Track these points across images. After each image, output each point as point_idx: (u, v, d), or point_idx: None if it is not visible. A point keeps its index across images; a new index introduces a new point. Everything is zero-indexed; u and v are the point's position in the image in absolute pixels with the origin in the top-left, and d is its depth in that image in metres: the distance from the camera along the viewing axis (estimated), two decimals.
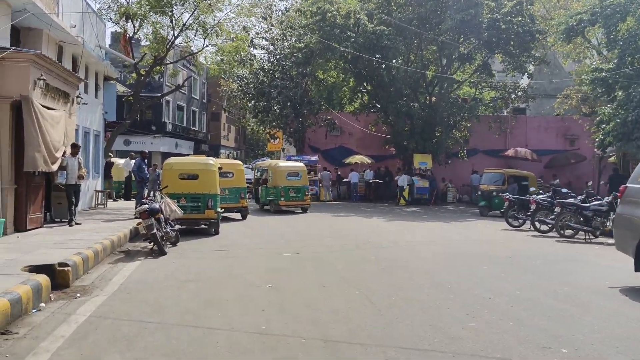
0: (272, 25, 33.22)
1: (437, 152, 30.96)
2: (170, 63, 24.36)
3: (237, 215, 18.76)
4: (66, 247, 10.02)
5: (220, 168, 15.16)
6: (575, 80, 37.03)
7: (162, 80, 47.25)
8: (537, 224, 16.24)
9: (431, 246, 12.88)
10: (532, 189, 20.32)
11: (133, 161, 18.76)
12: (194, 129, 53.76)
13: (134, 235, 13.25)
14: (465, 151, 32.36)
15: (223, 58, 26.29)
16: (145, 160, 16.89)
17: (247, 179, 20.10)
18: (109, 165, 22.13)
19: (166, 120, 47.40)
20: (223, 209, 15.76)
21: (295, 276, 9.08)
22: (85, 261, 9.15)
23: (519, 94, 31.66)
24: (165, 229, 11.49)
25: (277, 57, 32.14)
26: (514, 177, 23.17)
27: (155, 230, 10.83)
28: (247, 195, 18.67)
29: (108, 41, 37.77)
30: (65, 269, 8.31)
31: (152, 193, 14.66)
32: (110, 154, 23.14)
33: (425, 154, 30.28)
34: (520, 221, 17.70)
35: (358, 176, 30.87)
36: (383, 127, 33.05)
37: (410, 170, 30.83)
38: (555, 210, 15.53)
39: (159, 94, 46.31)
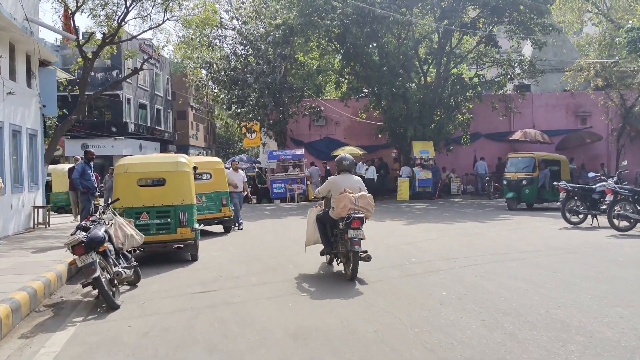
0: (242, 3, 29.01)
1: (437, 138, 27.24)
2: (124, 41, 19.99)
3: (219, 228, 14.71)
4: None
5: (195, 168, 11.09)
6: (584, 50, 33.86)
7: (120, 75, 42.79)
8: (615, 220, 12.56)
9: (507, 263, 9.01)
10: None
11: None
12: (160, 128, 49.25)
13: (76, 273, 9.11)
14: (468, 136, 28.67)
15: (190, 38, 22.17)
16: (92, 164, 12.59)
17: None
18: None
19: (127, 120, 42.98)
20: (201, 224, 11.70)
21: (348, 354, 5.11)
22: None
23: (525, 68, 27.99)
24: (116, 266, 7.40)
25: (251, 38, 27.91)
26: (544, 162, 19.49)
27: (98, 274, 6.74)
28: (229, 202, 14.57)
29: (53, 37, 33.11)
30: None
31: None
32: None
33: (425, 141, 26.56)
34: (581, 216, 14.02)
35: None
36: (374, 114, 29.22)
37: (408, 160, 27.12)
38: None
39: (118, 91, 42.43)
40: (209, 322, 6.20)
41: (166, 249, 10.43)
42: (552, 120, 30.49)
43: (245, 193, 16.07)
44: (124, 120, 42.55)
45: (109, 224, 7.85)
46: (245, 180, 16.46)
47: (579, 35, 38.17)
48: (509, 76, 28.47)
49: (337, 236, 8.46)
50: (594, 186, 14.01)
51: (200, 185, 13.49)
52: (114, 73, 42.94)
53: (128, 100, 43.73)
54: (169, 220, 10.00)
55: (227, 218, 14.36)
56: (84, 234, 6.92)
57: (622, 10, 30.42)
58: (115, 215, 8.24)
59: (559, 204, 14.44)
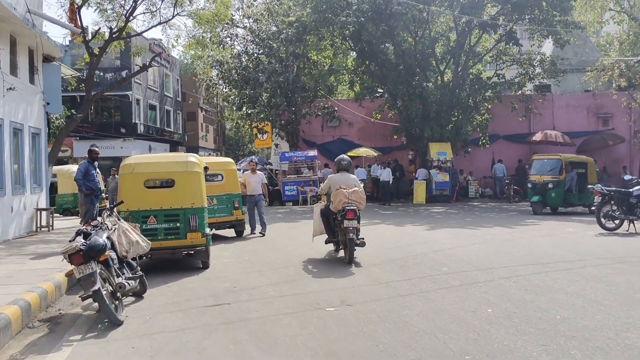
0: (254, 0, 28.24)
1: (455, 140, 26.35)
2: (132, 37, 19.25)
3: (230, 232, 13.92)
4: None
5: (206, 169, 10.31)
6: (604, 49, 32.91)
7: (129, 73, 42.19)
8: None
9: (552, 274, 8.12)
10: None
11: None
12: (169, 129, 48.61)
13: (77, 282, 8.33)
14: (487, 137, 27.74)
15: (201, 36, 21.42)
16: (96, 163, 11.81)
17: None
18: None
19: (137, 121, 42.39)
20: (212, 228, 10.93)
21: None
22: None
23: (546, 67, 27.01)
24: (119, 277, 6.62)
25: (263, 37, 27.14)
26: (571, 164, 18.57)
27: (98, 286, 5.96)
28: (242, 205, 13.78)
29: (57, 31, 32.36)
30: None
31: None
32: None
33: (442, 142, 25.68)
34: (617, 222, 13.10)
35: (365, 173, 26.06)
36: (389, 114, 28.39)
37: (425, 162, 26.26)
38: None
39: (127, 92, 41.83)
40: (223, 344, 5.39)
41: (175, 256, 9.62)
42: (572, 122, 29.52)
43: (263, 192, 14.36)
44: (134, 121, 41.99)
45: (112, 229, 7.08)
46: (265, 181, 15.00)
47: (598, 35, 37.24)
48: (529, 76, 27.56)
49: (337, 226, 9.73)
50: (631, 190, 13.10)
51: (211, 187, 12.74)
52: (124, 73, 42.39)
53: (137, 101, 43.15)
54: (178, 224, 9.20)
55: (239, 222, 13.58)
56: (83, 240, 6.14)
57: None
58: (120, 220, 7.47)
59: (593, 208, 13.49)
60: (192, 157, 9.79)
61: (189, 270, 9.29)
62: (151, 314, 6.63)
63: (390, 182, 24.79)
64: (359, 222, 9.31)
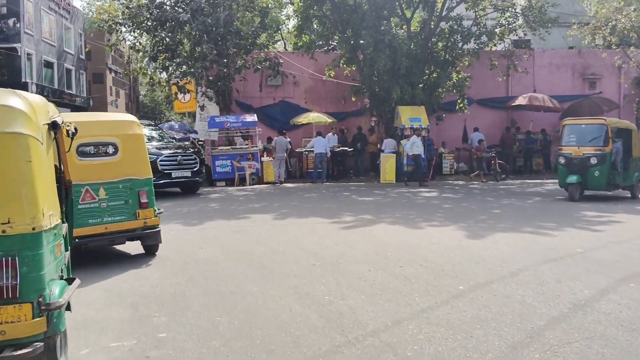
0: None
1: (428, 102, 21.06)
2: None
3: (134, 247, 7.90)
4: None
5: (70, 132, 4.27)
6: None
7: (17, 25, 34.40)
8: None
9: None
10: None
11: None
12: (70, 92, 40.87)
13: None
14: (465, 101, 22.61)
15: None
16: None
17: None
18: None
19: (28, 80, 34.79)
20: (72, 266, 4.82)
21: None
22: None
23: (534, 14, 22.03)
24: None
25: None
26: (618, 131, 13.62)
27: None
28: (154, 199, 7.78)
29: None
30: None
31: None
32: None
33: (413, 105, 20.36)
34: None
35: (325, 144, 20.23)
36: (345, 71, 22.75)
37: (393, 130, 20.92)
38: None
39: (15, 44, 34.19)
40: None
41: None
42: (556, 84, 24.92)
43: None
44: (24, 79, 34.45)
45: None
46: None
47: None
48: (510, 26, 22.63)
49: None
50: None
51: (95, 167, 6.76)
52: (11, 22, 34.80)
53: (28, 56, 35.60)
54: None
55: (149, 229, 7.55)
56: None
57: None
58: None
59: None
60: (12, 97, 3.69)
61: None
62: None
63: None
64: None
